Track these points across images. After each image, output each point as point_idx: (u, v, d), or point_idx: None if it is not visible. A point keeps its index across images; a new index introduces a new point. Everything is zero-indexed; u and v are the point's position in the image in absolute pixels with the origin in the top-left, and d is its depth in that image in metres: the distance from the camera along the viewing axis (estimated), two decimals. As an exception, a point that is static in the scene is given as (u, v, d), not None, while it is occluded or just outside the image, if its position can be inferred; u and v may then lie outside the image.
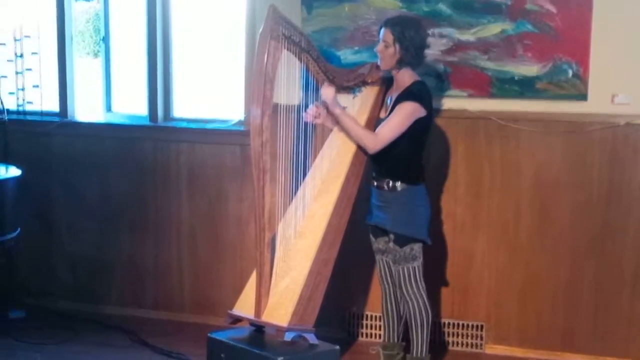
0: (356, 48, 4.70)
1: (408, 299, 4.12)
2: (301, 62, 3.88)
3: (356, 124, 4.03)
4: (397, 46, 3.99)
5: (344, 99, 4.28)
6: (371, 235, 4.28)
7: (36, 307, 5.31)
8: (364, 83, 4.23)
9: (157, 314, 5.31)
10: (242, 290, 3.92)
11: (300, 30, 3.82)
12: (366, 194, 4.19)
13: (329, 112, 4.06)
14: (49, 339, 4.86)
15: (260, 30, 3.60)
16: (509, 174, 4.63)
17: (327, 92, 4.00)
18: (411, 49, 3.99)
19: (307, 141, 4.02)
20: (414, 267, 4.09)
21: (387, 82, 4.22)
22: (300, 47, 3.80)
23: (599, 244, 4.55)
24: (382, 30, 4.05)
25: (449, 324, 4.81)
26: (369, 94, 4.22)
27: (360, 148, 4.05)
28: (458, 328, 4.80)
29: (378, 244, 4.26)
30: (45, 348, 4.75)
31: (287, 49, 3.71)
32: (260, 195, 3.65)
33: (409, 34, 3.97)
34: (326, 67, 4.01)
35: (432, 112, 4.12)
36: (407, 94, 3.99)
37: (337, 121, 4.08)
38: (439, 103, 4.58)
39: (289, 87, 3.81)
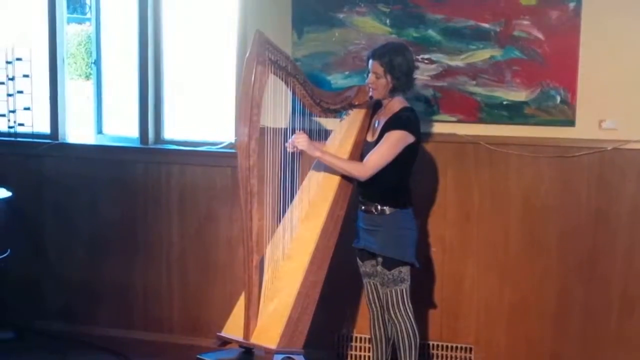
0: (347, 73, 4.73)
1: (396, 321, 4.12)
2: (288, 85, 3.89)
3: (340, 160, 4.02)
4: (389, 77, 4.01)
5: (331, 122, 4.31)
6: (358, 259, 4.29)
7: (25, 328, 5.29)
8: (351, 106, 4.24)
9: (147, 335, 5.29)
10: (232, 312, 3.94)
11: (287, 55, 3.85)
12: (354, 217, 4.21)
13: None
14: (38, 360, 4.85)
15: (247, 55, 3.63)
16: (498, 198, 4.65)
17: (300, 140, 3.96)
18: (402, 76, 4.01)
19: (295, 163, 4.04)
20: (402, 290, 4.09)
21: (374, 105, 4.24)
22: (286, 71, 3.82)
23: (587, 267, 4.57)
24: (370, 62, 4.05)
25: (437, 346, 4.81)
26: (355, 116, 4.24)
27: (348, 172, 4.07)
28: (447, 350, 4.80)
29: (365, 267, 4.27)
30: (34, 369, 4.75)
31: (274, 73, 3.73)
32: (247, 218, 3.66)
33: (398, 62, 3.99)
34: (313, 90, 4.03)
35: (421, 138, 4.12)
36: (395, 122, 4.00)
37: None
38: (428, 128, 4.61)
39: (275, 111, 3.84)
